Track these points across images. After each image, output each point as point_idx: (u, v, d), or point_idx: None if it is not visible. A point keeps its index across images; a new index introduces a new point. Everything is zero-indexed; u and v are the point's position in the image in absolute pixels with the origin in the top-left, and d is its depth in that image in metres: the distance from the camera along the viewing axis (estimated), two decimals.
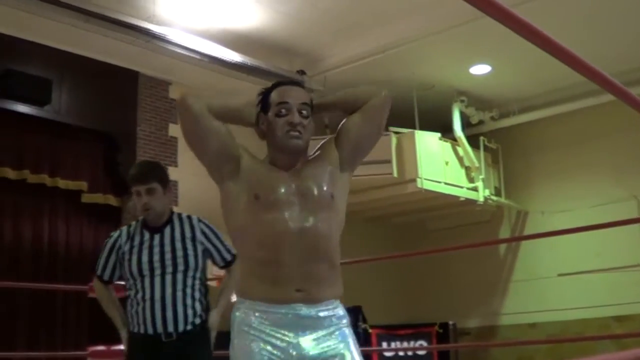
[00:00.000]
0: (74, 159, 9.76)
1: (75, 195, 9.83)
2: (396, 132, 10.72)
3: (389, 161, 10.49)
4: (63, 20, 8.41)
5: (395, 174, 10.54)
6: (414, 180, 10.60)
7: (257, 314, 3.16)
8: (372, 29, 9.36)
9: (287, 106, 3.25)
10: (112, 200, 10.08)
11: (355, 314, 10.03)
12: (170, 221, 4.95)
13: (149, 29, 8.68)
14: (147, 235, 4.88)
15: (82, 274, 9.43)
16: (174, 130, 10.51)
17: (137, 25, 8.60)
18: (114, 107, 10.10)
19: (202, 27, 9.14)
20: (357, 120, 3.38)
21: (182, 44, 9.08)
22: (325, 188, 3.25)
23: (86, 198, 9.87)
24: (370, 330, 10.41)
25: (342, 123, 3.44)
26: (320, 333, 3.16)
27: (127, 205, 10.08)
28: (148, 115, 10.41)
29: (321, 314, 3.17)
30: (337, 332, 3.19)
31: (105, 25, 8.42)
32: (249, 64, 9.59)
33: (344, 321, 3.25)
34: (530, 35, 2.02)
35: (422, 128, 10.90)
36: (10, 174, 9.18)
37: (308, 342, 3.12)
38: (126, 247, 4.89)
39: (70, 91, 9.73)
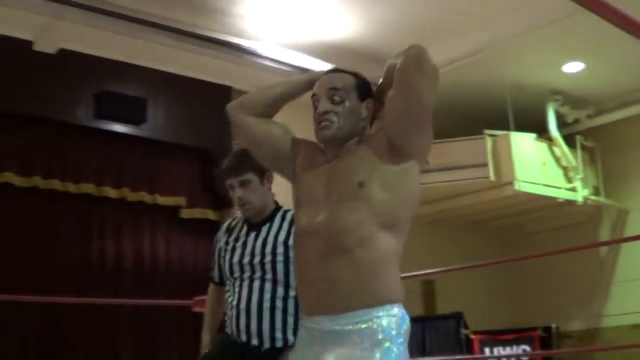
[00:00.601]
0: (171, 175, 9.89)
1: (174, 211, 9.98)
2: (491, 135, 10.59)
3: (485, 164, 10.40)
4: (155, 40, 8.57)
5: (492, 177, 10.42)
6: (510, 183, 10.46)
7: (301, 327, 2.94)
8: (462, 33, 9.27)
9: (316, 97, 3.04)
10: (210, 214, 10.18)
11: (457, 321, 9.95)
12: (271, 217, 4.33)
13: (240, 44, 8.78)
14: (244, 231, 4.32)
15: (183, 289, 9.58)
16: None
17: (228, 42, 8.70)
18: (208, 123, 10.15)
19: (292, 39, 9.17)
20: (392, 93, 2.88)
21: (273, 57, 9.14)
22: (352, 176, 2.86)
23: (185, 213, 10.00)
24: (472, 337, 10.30)
25: None
26: (347, 352, 2.70)
27: (226, 219, 10.16)
28: None
29: (347, 326, 2.72)
30: (374, 350, 2.70)
31: (197, 42, 8.56)
32: None
33: (388, 336, 2.73)
34: (623, 23, 1.95)
35: (517, 129, 10.76)
36: (111, 192, 9.36)
37: None
38: (222, 242, 4.40)
39: (165, 109, 9.87)
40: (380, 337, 2.69)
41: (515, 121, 10.84)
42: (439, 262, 8.48)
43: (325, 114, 2.96)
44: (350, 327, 2.70)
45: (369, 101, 3.03)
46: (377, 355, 2.66)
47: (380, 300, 2.75)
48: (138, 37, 8.51)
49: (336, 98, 2.98)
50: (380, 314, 2.72)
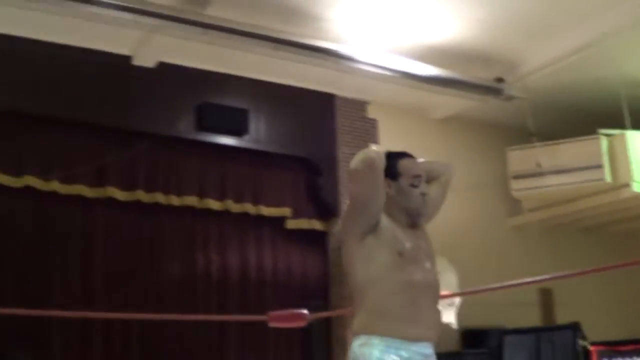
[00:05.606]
0: (275, 186, 9.82)
1: (280, 221, 9.88)
2: (606, 135, 10.13)
3: (601, 166, 9.97)
4: (253, 50, 8.53)
5: (608, 179, 9.98)
6: (628, 185, 9.98)
7: (393, 351, 3.49)
8: (571, 27, 8.83)
9: (420, 179, 3.75)
10: (316, 224, 10.05)
11: (574, 331, 9.51)
12: None
13: (337, 51, 8.61)
14: None
15: (293, 300, 9.47)
16: None
17: (325, 48, 8.56)
18: (312, 132, 10.08)
19: (392, 43, 8.97)
20: (438, 192, 3.96)
21: (374, 63, 8.95)
22: (432, 250, 3.79)
23: (291, 224, 9.90)
24: (590, 348, 9.84)
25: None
26: None
27: (333, 229, 10.03)
28: (348, 137, 10.31)
29: (431, 351, 3.62)
30: None
31: (295, 50, 8.45)
32: (444, 76, 9.33)
33: None
34: None
35: (634, 128, 10.24)
36: (214, 205, 9.34)
37: None
38: None
39: (268, 119, 9.80)
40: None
41: (631, 119, 10.32)
42: (556, 270, 8.12)
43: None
44: (432, 351, 3.64)
45: None
46: None
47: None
48: (234, 48, 8.47)
49: None
50: None
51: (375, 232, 3.61)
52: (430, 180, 3.89)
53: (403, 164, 3.75)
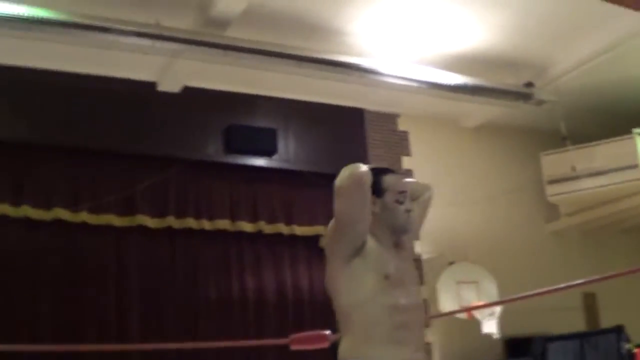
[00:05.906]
0: (308, 204, 9.72)
1: (314, 240, 9.75)
2: None
3: (636, 165, 9.83)
4: (277, 69, 8.47)
5: None
6: None
7: None
8: (597, 27, 8.65)
9: (405, 195, 3.59)
10: None
11: (618, 334, 9.33)
12: None
13: (362, 65, 8.53)
14: None
15: (331, 319, 9.30)
16: (408, 162, 10.34)
17: (349, 63, 8.48)
18: (342, 147, 9.97)
19: (416, 54, 8.89)
20: (418, 211, 3.89)
21: (401, 74, 8.86)
22: (416, 274, 3.74)
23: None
24: (635, 350, 9.65)
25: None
26: None
27: None
28: (379, 151, 10.23)
29: None
30: None
31: (318, 67, 8.36)
32: (472, 84, 9.20)
33: None
34: None
35: None
36: (247, 227, 9.28)
37: None
38: None
39: (296, 138, 9.75)
40: None
41: None
42: (597, 273, 7.95)
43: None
44: None
45: None
46: None
47: None
48: (257, 68, 8.43)
49: None
50: None
51: (361, 253, 3.45)
52: (411, 200, 3.73)
53: (388, 180, 3.60)
